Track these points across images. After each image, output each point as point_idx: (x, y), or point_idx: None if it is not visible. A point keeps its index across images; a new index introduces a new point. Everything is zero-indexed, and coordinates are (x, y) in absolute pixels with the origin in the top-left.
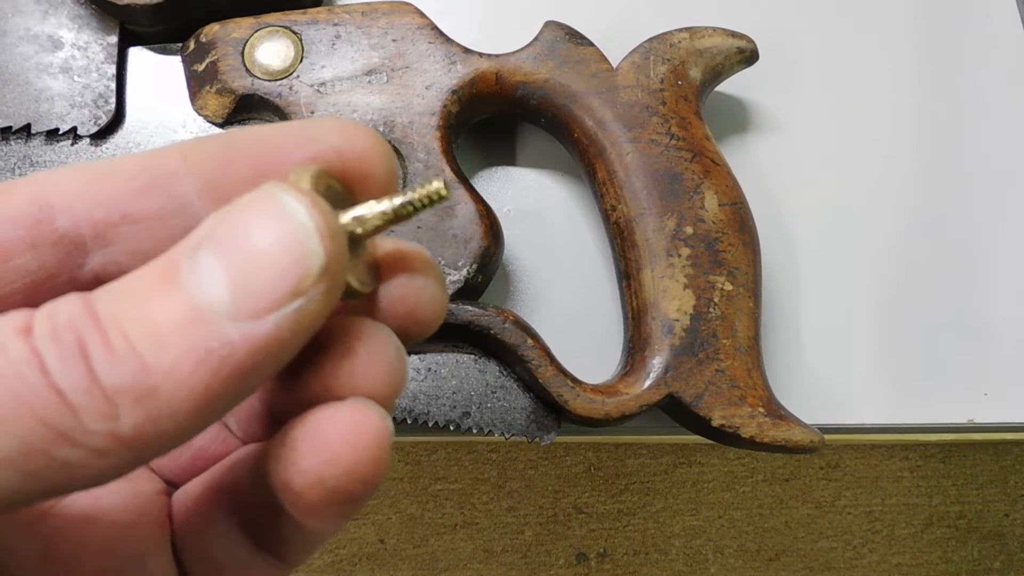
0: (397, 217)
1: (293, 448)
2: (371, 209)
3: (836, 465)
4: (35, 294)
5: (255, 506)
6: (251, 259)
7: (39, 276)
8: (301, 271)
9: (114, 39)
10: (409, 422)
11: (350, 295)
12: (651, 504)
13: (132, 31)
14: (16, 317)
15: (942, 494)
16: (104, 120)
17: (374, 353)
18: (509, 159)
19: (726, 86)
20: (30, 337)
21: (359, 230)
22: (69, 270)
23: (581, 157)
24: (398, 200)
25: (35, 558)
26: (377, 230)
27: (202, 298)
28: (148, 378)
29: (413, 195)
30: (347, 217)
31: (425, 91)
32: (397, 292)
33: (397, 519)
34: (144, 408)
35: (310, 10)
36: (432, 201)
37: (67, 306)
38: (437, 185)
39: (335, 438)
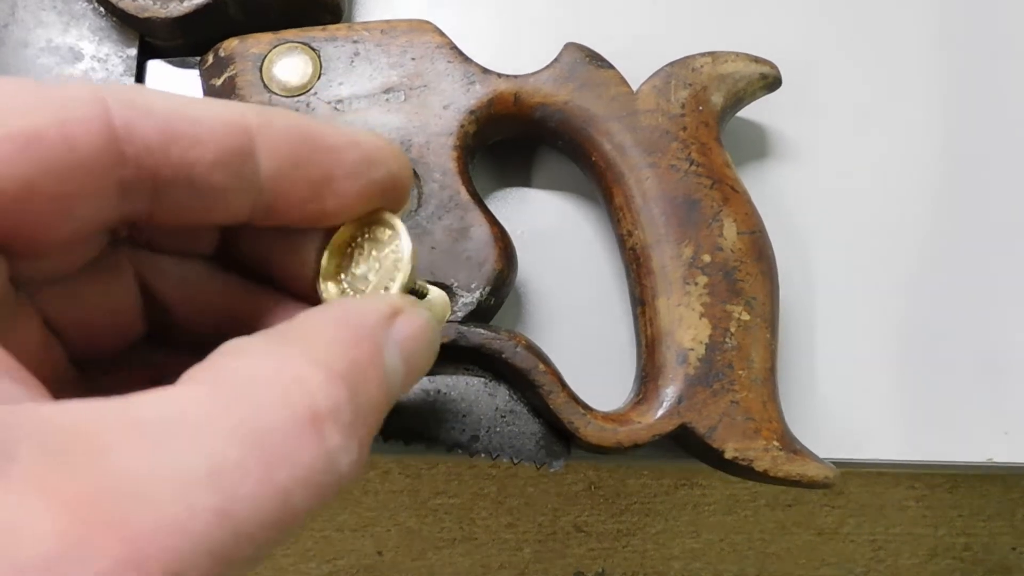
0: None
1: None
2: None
3: (840, 492)
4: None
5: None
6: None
7: (102, 217)
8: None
9: (134, 52)
10: (417, 444)
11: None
12: (651, 525)
13: (152, 44)
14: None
15: (948, 525)
16: None
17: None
18: (525, 180)
19: (746, 111)
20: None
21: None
22: (118, 215)
23: (599, 181)
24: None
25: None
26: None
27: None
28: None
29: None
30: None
31: (443, 111)
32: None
33: (396, 532)
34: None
35: (329, 26)
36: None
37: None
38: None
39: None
